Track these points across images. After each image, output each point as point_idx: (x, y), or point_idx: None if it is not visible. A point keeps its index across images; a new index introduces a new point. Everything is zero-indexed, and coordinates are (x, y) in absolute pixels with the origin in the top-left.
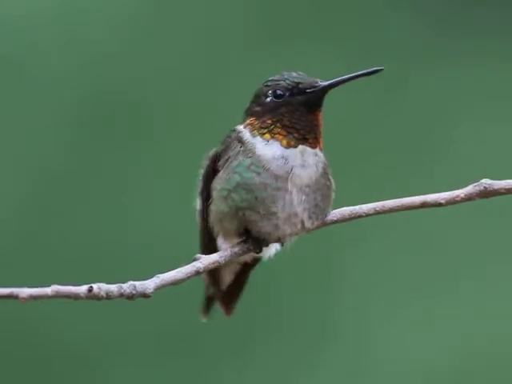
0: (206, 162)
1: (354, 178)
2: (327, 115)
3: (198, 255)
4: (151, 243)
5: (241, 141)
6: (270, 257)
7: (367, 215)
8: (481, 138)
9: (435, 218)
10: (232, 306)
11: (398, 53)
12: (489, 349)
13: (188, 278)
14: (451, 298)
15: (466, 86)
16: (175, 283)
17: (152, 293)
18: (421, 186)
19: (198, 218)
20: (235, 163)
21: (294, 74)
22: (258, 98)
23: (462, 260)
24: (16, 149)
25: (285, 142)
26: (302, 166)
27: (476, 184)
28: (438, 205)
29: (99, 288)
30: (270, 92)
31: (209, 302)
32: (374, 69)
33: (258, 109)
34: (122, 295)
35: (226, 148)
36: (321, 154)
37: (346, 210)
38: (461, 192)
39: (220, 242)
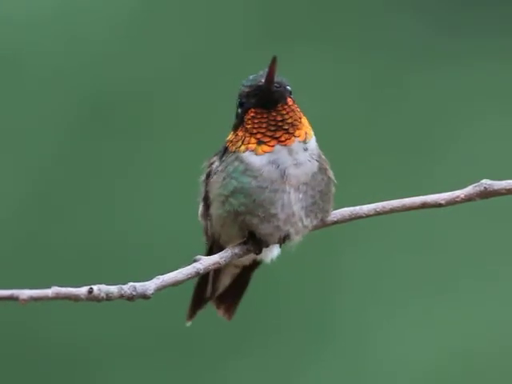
0: (206, 168)
1: (354, 179)
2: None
3: (199, 256)
4: (151, 244)
5: (232, 152)
6: (272, 259)
7: (367, 216)
8: (481, 138)
9: (435, 218)
10: (232, 310)
11: (398, 53)
12: (488, 349)
13: (188, 278)
14: (451, 297)
15: (466, 86)
16: (175, 284)
17: (152, 294)
18: (421, 186)
19: (201, 223)
20: (231, 168)
21: (250, 77)
22: (236, 110)
23: (462, 260)
24: (16, 149)
25: (259, 149)
26: (295, 165)
27: (476, 184)
28: (438, 205)
29: (99, 289)
30: (237, 102)
31: (195, 306)
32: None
33: (235, 122)
34: (122, 296)
35: (223, 154)
36: (311, 146)
37: (346, 211)
38: (461, 192)
39: (224, 245)
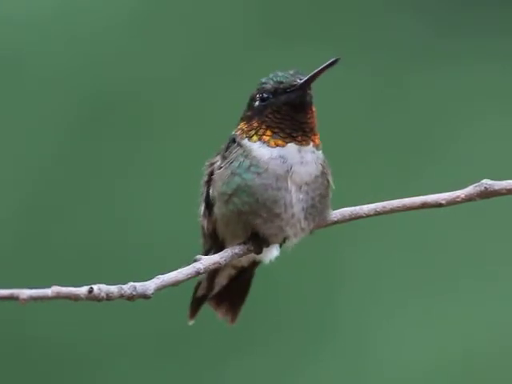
0: (207, 168)
1: (355, 179)
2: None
3: (199, 256)
4: (151, 244)
5: (239, 144)
6: (271, 260)
7: (367, 216)
8: (481, 138)
9: (435, 218)
10: (234, 313)
11: (398, 53)
12: (488, 349)
13: (188, 278)
14: (451, 297)
15: (466, 86)
16: (176, 284)
17: (152, 294)
18: (421, 186)
19: (202, 223)
20: (236, 164)
21: (280, 74)
22: (250, 102)
23: (462, 260)
24: (16, 149)
25: (272, 142)
26: (301, 163)
27: (477, 184)
28: (438, 205)
29: (99, 289)
30: (258, 96)
31: (197, 305)
32: (334, 59)
33: (249, 113)
34: (122, 296)
35: (227, 150)
36: (318, 152)
37: (346, 211)
38: (461, 192)
39: (228, 245)
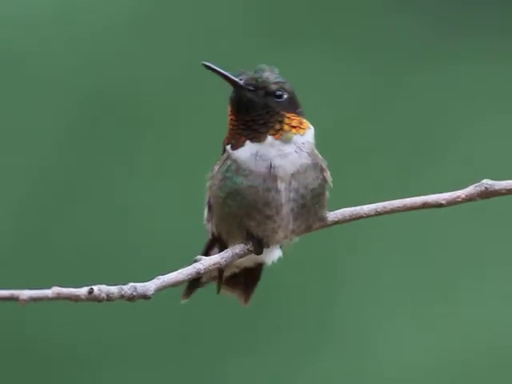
0: (210, 172)
1: (355, 179)
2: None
3: (199, 256)
4: (151, 244)
5: (224, 148)
6: (273, 261)
7: (368, 216)
8: (481, 138)
9: (436, 218)
10: (248, 294)
11: (398, 53)
12: (488, 349)
13: (189, 279)
14: (451, 297)
15: (466, 86)
16: (176, 284)
17: (153, 294)
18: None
19: (206, 227)
20: (224, 168)
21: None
22: None
23: (463, 260)
24: (16, 149)
25: (234, 144)
26: (280, 155)
27: (477, 184)
28: (438, 205)
29: (100, 290)
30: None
31: (192, 285)
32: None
33: None
34: (122, 297)
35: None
36: (301, 140)
37: (346, 211)
38: (462, 192)
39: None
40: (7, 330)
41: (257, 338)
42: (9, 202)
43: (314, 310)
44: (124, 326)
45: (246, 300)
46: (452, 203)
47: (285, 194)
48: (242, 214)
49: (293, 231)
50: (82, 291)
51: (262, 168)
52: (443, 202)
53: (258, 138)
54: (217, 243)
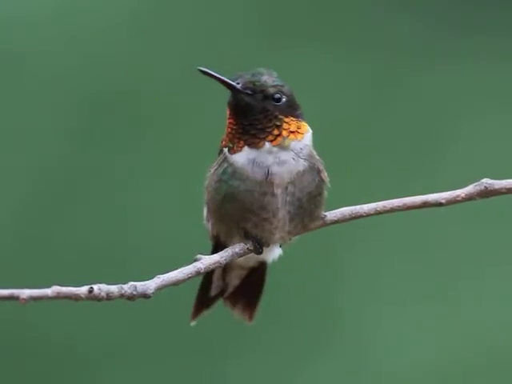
0: (208, 172)
1: (355, 178)
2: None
3: (199, 255)
4: (152, 244)
5: (222, 151)
6: (273, 260)
7: (368, 215)
8: (481, 138)
9: (436, 217)
10: (251, 311)
11: (398, 53)
12: (488, 348)
13: (189, 278)
14: (451, 297)
15: (466, 86)
16: (176, 284)
17: (153, 293)
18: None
19: (206, 226)
20: (221, 170)
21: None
22: None
23: (462, 259)
24: (16, 149)
25: (231, 148)
26: (278, 163)
27: (477, 184)
28: (438, 204)
29: (100, 289)
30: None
31: (200, 306)
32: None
33: None
34: (122, 296)
35: (219, 155)
36: (299, 146)
37: (346, 210)
38: (461, 192)
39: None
40: (7, 330)
41: (257, 338)
42: (9, 202)
43: (314, 311)
44: (124, 325)
45: (250, 317)
46: (452, 202)
47: (281, 198)
48: (239, 215)
49: (289, 232)
50: (82, 290)
51: (258, 175)
52: (443, 201)
53: (255, 143)
54: (216, 242)
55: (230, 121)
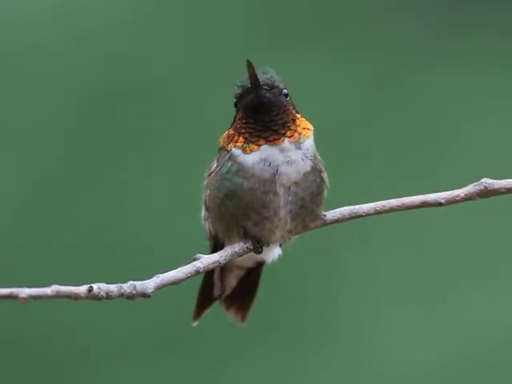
0: (206, 172)
1: (354, 178)
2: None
3: (198, 255)
4: (151, 243)
5: (226, 149)
6: (273, 260)
7: (367, 215)
8: (481, 138)
9: (435, 217)
10: (244, 313)
11: (398, 53)
12: (488, 348)
13: (188, 277)
14: (451, 297)
15: (466, 86)
16: (175, 283)
17: (152, 293)
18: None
19: (204, 226)
20: (225, 169)
21: (242, 78)
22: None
23: (462, 259)
24: (16, 149)
25: (247, 148)
26: (287, 162)
27: (476, 183)
28: (438, 204)
29: (99, 288)
30: (234, 102)
31: (201, 306)
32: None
33: (232, 121)
34: (122, 295)
35: (218, 156)
36: (307, 146)
37: (345, 210)
38: (461, 191)
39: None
40: (7, 329)
41: (257, 338)
42: (9, 202)
43: (314, 311)
44: (123, 324)
45: (243, 318)
46: (451, 202)
47: (283, 198)
48: (239, 214)
49: (290, 231)
50: (82, 289)
51: (267, 174)
52: (442, 200)
53: (277, 139)
54: (214, 242)
55: (247, 121)
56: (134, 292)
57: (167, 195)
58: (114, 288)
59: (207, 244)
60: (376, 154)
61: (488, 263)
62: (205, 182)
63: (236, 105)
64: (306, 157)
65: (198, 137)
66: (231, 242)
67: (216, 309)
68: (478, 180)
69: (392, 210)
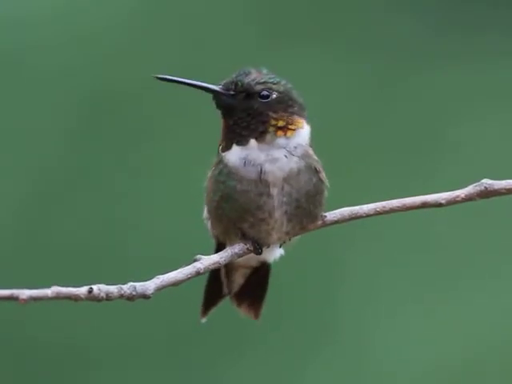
0: (208, 173)
1: (354, 178)
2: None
3: (199, 256)
4: (151, 244)
5: (218, 151)
6: (275, 260)
7: (367, 216)
8: (481, 138)
9: (436, 218)
10: (257, 309)
11: (398, 53)
12: (488, 348)
13: (188, 278)
14: (451, 297)
15: (466, 86)
16: (175, 284)
17: (152, 294)
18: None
19: (207, 226)
20: (217, 171)
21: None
22: None
23: (462, 260)
24: (16, 149)
25: (224, 148)
26: (270, 161)
27: (476, 184)
28: (438, 205)
29: (99, 289)
30: None
31: (209, 303)
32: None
33: None
34: (122, 296)
35: (216, 159)
36: (293, 144)
37: (346, 211)
38: (461, 192)
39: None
40: (7, 330)
41: (257, 338)
42: (9, 202)
43: (314, 311)
44: (123, 325)
45: (256, 315)
46: (451, 203)
47: (278, 199)
48: (236, 216)
49: (287, 233)
50: (82, 291)
51: (252, 174)
52: (443, 201)
53: (241, 141)
54: (217, 242)
55: (222, 121)
56: (133, 293)
57: (167, 195)
58: (113, 289)
59: (209, 243)
60: (376, 155)
61: (488, 263)
62: (205, 184)
63: None
64: (292, 154)
65: (198, 137)
66: (231, 243)
67: (216, 309)
68: (479, 180)
69: (392, 210)
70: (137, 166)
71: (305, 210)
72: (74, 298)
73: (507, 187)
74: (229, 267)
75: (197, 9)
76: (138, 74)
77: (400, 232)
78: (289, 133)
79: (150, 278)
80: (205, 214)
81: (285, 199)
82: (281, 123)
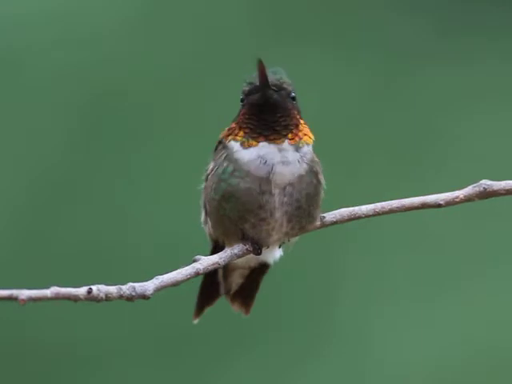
0: (204, 174)
1: (354, 179)
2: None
3: (198, 256)
4: (151, 244)
5: (224, 146)
6: (274, 261)
7: (366, 216)
8: (480, 138)
9: (435, 218)
10: (248, 305)
11: (398, 53)
12: (488, 348)
13: (188, 279)
14: (451, 298)
15: (466, 86)
16: (175, 284)
17: (151, 294)
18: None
19: (205, 229)
20: (220, 170)
21: (252, 76)
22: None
23: (462, 260)
24: (16, 149)
25: (245, 143)
26: (283, 162)
27: (475, 185)
28: (437, 206)
29: (98, 290)
30: (240, 98)
31: (202, 304)
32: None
33: (235, 116)
34: (121, 297)
35: (215, 156)
36: (305, 150)
37: (345, 211)
38: (460, 193)
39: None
40: (7, 330)
41: (257, 338)
42: (9, 202)
43: (314, 311)
44: (123, 325)
45: (247, 310)
46: (450, 203)
47: (278, 198)
48: (237, 216)
49: (286, 233)
50: (81, 291)
51: (261, 172)
52: (442, 202)
53: (277, 139)
54: (214, 244)
55: (250, 117)
56: (133, 294)
57: (167, 196)
58: (113, 290)
59: (208, 245)
60: (375, 155)
61: (487, 264)
62: (202, 185)
63: (242, 100)
64: (303, 160)
65: (199, 137)
66: (231, 244)
67: (215, 310)
68: (478, 181)
69: (391, 211)
70: (137, 167)
71: (304, 210)
72: (74, 299)
73: (506, 188)
74: (227, 268)
75: (197, 9)
76: (138, 74)
77: (399, 232)
78: (309, 141)
79: (150, 279)
80: (202, 217)
81: (286, 199)
82: (305, 130)
